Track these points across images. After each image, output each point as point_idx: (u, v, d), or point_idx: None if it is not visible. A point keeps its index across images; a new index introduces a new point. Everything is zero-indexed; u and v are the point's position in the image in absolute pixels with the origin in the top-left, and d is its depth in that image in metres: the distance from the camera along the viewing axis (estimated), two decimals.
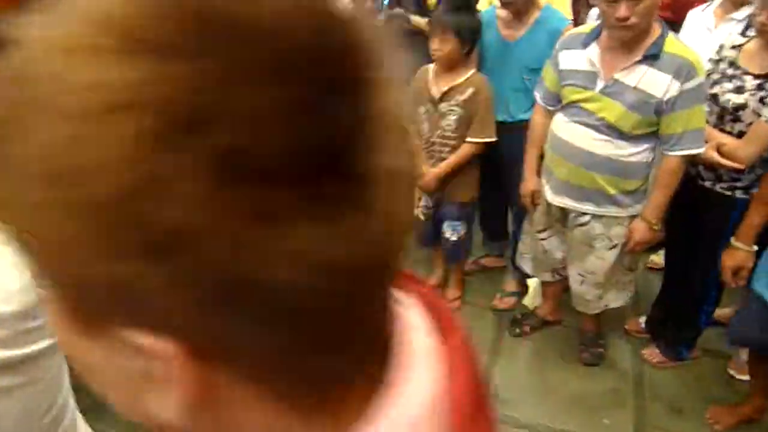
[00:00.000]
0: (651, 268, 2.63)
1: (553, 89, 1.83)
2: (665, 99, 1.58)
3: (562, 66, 1.77)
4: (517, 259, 2.31)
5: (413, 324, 0.32)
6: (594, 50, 1.68)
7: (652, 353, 2.22)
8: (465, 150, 2.12)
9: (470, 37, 2.01)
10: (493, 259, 2.77)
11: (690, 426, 1.99)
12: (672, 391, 2.12)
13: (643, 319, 2.32)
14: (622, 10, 1.52)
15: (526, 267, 2.25)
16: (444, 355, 0.31)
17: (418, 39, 2.27)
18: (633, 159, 1.70)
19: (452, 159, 2.14)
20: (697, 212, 1.88)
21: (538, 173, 2.01)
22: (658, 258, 2.58)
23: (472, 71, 2.06)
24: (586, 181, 1.77)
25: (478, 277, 2.74)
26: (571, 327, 2.37)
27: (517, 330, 2.40)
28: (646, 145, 1.69)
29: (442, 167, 2.16)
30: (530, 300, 2.57)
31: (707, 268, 1.91)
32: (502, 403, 2.11)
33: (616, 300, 2.04)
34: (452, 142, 2.12)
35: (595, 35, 1.69)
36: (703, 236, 1.89)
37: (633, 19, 1.53)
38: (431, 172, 2.18)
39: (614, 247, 1.88)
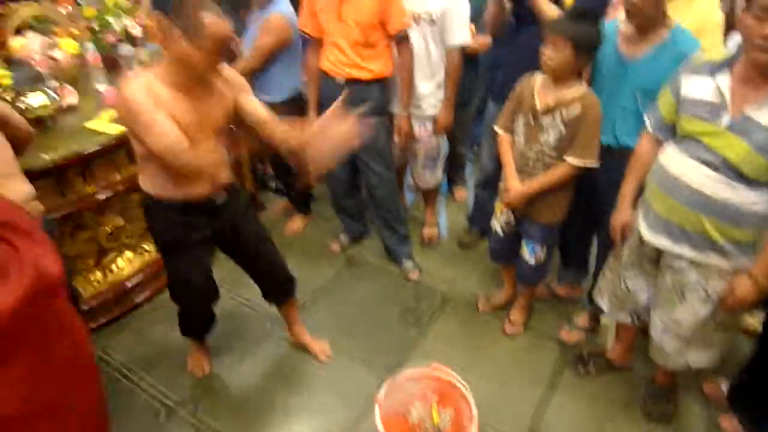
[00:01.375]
0: (744, 331, 2.35)
1: (669, 117, 1.66)
2: None
3: (684, 93, 1.59)
4: (595, 293, 2.14)
5: None
6: (725, 79, 1.50)
7: (731, 424, 1.99)
8: (561, 170, 1.98)
9: (588, 49, 1.84)
10: (568, 288, 2.60)
11: None
12: None
13: (724, 383, 2.08)
14: (767, 31, 1.34)
15: (603, 304, 2.08)
16: None
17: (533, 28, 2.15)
18: (748, 207, 1.50)
19: (546, 177, 2.00)
20: None
21: (634, 206, 1.84)
22: (753, 319, 2.31)
23: (583, 87, 1.91)
24: (690, 222, 1.59)
25: (547, 303, 2.59)
26: (641, 376, 2.18)
27: (581, 369, 2.24)
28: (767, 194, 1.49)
29: (533, 185, 2.03)
30: (604, 338, 2.40)
31: None
32: None
33: (699, 360, 1.83)
34: (549, 160, 1.98)
35: (728, 62, 1.51)
36: None
37: None
38: (520, 188, 2.06)
39: (709, 301, 1.68)
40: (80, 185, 2.22)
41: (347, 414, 2.07)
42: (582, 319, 2.42)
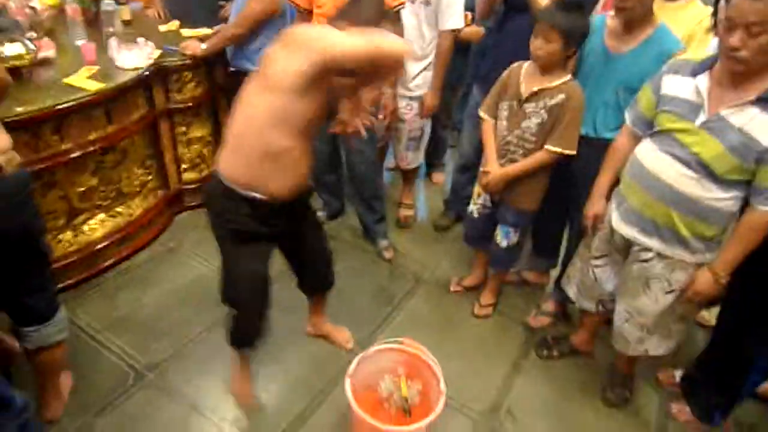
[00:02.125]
0: (699, 324, 2.47)
1: (648, 113, 1.71)
2: None
3: (664, 91, 1.65)
4: (563, 281, 2.21)
5: None
6: (704, 80, 1.55)
7: (682, 410, 2.10)
8: (540, 157, 2.02)
9: (576, 40, 1.88)
10: (537, 275, 2.67)
11: None
12: None
13: (678, 372, 2.19)
14: (734, 39, 1.41)
15: (570, 291, 2.15)
16: None
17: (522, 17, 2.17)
18: (718, 204, 1.57)
19: (525, 163, 2.05)
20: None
21: (607, 198, 1.90)
22: (709, 315, 2.43)
23: (567, 77, 1.95)
24: (660, 215, 1.65)
25: (516, 289, 2.66)
26: (601, 362, 2.27)
27: (545, 352, 2.32)
28: (735, 193, 1.56)
29: (512, 169, 2.07)
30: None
31: (763, 342, 1.78)
32: (513, 421, 2.05)
33: (657, 347, 1.92)
34: (529, 146, 2.03)
35: (708, 64, 1.56)
36: None
37: (743, 53, 1.41)
38: (499, 171, 2.10)
39: (671, 292, 1.76)
40: (54, 142, 2.16)
41: (318, 384, 2.10)
42: (549, 305, 2.49)
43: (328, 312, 2.28)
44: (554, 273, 2.56)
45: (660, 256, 1.72)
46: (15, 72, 2.07)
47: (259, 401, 2.03)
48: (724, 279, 1.65)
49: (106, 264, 2.51)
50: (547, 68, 1.93)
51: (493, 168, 2.11)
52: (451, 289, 2.62)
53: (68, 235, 2.38)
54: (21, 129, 2.00)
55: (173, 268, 2.59)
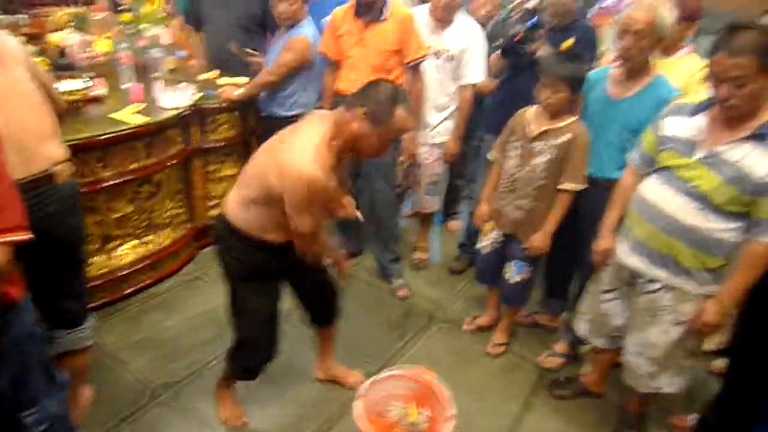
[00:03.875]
0: (713, 373, 2.46)
1: (650, 152, 1.83)
2: (766, 180, 1.54)
3: (665, 132, 1.77)
4: (574, 319, 2.25)
5: None
6: (701, 120, 1.68)
7: None
8: (563, 199, 2.15)
9: (579, 87, 2.07)
10: (549, 318, 2.70)
11: None
12: None
13: (692, 417, 2.17)
14: (723, 91, 1.54)
15: (582, 328, 2.18)
16: None
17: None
18: (719, 235, 1.65)
19: (555, 213, 2.17)
20: None
21: (615, 234, 1.98)
22: (720, 361, 2.42)
23: (573, 118, 2.10)
24: (665, 246, 1.73)
25: (529, 330, 2.69)
26: (612, 404, 2.25)
27: (557, 391, 2.32)
28: (736, 224, 1.63)
29: (550, 225, 2.19)
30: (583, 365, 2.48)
31: None
32: None
33: (670, 384, 1.93)
34: (539, 182, 2.15)
35: (704, 106, 1.69)
36: None
37: (734, 101, 1.54)
38: (540, 235, 2.20)
39: (680, 323, 1.79)
40: (98, 169, 2.34)
41: (328, 409, 2.13)
42: (560, 347, 2.51)
43: (340, 346, 2.32)
44: (566, 316, 2.59)
45: (667, 287, 1.78)
46: (70, 105, 2.29)
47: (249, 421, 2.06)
48: (729, 310, 1.69)
49: (133, 288, 2.62)
50: (555, 114, 2.10)
51: (483, 209, 2.33)
52: (464, 327, 2.66)
53: (102, 258, 2.52)
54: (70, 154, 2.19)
55: (195, 297, 2.69)
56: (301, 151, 1.55)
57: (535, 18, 2.26)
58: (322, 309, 2.13)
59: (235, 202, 1.74)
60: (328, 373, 2.28)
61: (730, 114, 1.59)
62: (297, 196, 1.55)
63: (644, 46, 1.93)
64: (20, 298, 1.16)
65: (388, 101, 1.58)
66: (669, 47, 2.25)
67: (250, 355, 1.93)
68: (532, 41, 2.26)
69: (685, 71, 2.23)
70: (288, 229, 1.68)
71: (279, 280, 1.88)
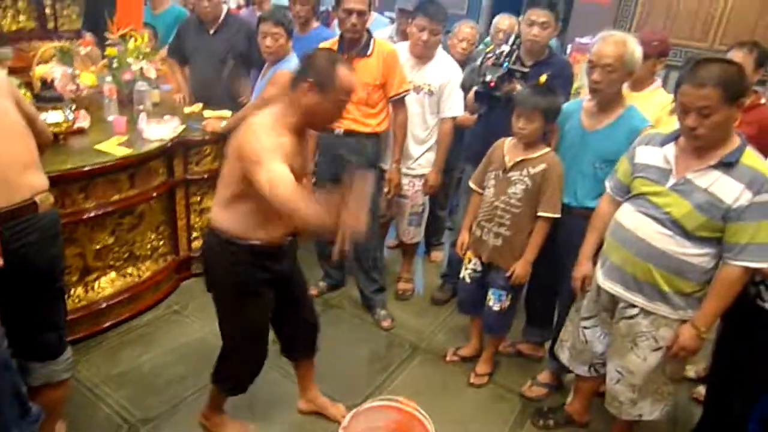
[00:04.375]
0: (696, 399, 2.47)
1: (625, 180, 1.89)
2: (734, 206, 1.59)
3: (638, 159, 1.83)
4: (556, 347, 2.26)
5: None
6: (671, 149, 1.74)
7: None
8: (541, 228, 2.20)
9: (553, 118, 2.14)
10: (532, 347, 2.71)
11: None
12: None
13: None
14: (690, 121, 1.61)
15: (563, 356, 2.20)
16: None
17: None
18: (692, 260, 1.69)
19: (534, 240, 2.21)
20: (751, 336, 1.82)
21: (594, 261, 2.02)
22: (701, 388, 2.44)
23: (547, 149, 2.17)
24: (641, 271, 1.77)
25: (512, 359, 2.69)
26: None
27: (541, 422, 2.31)
28: (708, 250, 1.68)
29: (530, 254, 2.23)
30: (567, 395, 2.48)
31: (752, 402, 1.81)
32: None
33: (651, 411, 1.94)
34: (515, 210, 2.19)
35: (674, 137, 1.76)
36: (754, 364, 1.81)
37: (701, 130, 1.60)
38: (521, 262, 2.23)
39: (658, 349, 1.82)
40: (80, 200, 2.33)
41: None
42: (544, 376, 2.51)
43: (323, 377, 2.29)
44: (549, 345, 2.60)
45: (645, 312, 1.81)
46: (53, 137, 2.29)
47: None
48: (705, 333, 1.73)
49: (112, 322, 2.58)
50: (530, 144, 2.17)
51: (464, 236, 2.38)
52: (447, 358, 2.65)
53: (79, 290, 2.48)
54: (52, 186, 2.17)
55: (175, 330, 2.65)
56: (253, 127, 1.62)
57: (506, 65, 2.33)
58: (303, 336, 2.11)
59: (218, 208, 1.78)
60: (311, 404, 2.25)
61: (698, 144, 1.66)
62: (254, 153, 1.54)
63: (613, 80, 2.01)
64: None
65: (329, 66, 1.61)
66: (640, 81, 2.36)
67: (240, 368, 1.94)
68: (504, 84, 2.32)
69: (656, 104, 2.33)
70: (273, 222, 1.68)
71: (267, 294, 1.86)
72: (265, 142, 1.57)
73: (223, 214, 1.75)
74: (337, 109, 1.69)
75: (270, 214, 1.66)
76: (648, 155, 1.81)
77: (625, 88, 2.37)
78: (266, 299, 1.87)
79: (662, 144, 1.78)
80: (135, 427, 2.09)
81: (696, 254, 1.69)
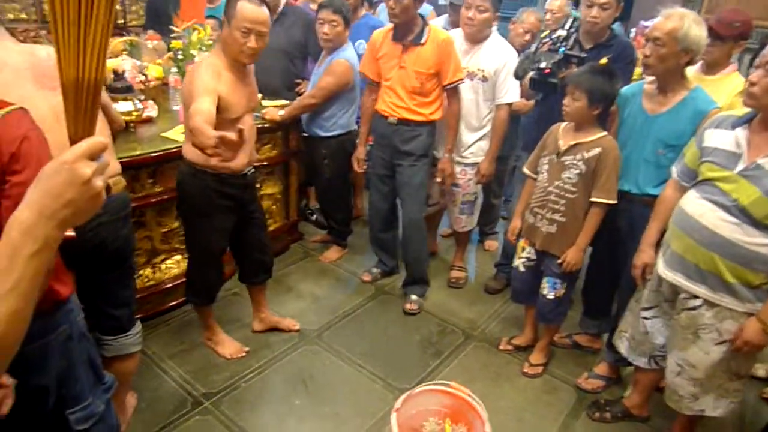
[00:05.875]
0: (765, 399, 2.34)
1: (692, 165, 1.81)
2: None
3: (706, 143, 1.75)
4: (615, 337, 2.20)
5: None
6: (743, 132, 1.65)
7: None
8: (594, 213, 2.13)
9: (600, 100, 2.05)
10: (589, 339, 2.65)
11: None
12: None
13: None
14: (753, 77, 1.56)
15: (622, 347, 2.14)
16: None
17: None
18: (760, 250, 1.60)
19: (587, 226, 2.15)
20: None
21: (656, 249, 1.95)
22: None
23: (603, 133, 2.10)
24: (704, 260, 1.69)
25: (567, 351, 2.64)
26: (656, 429, 2.18)
27: (597, 414, 2.26)
28: None
29: (583, 240, 2.17)
30: (625, 388, 2.41)
31: None
32: None
33: (714, 408, 1.85)
34: (570, 195, 2.14)
35: (747, 118, 1.66)
36: None
37: (755, 89, 1.56)
38: (574, 249, 2.18)
39: (722, 342, 1.74)
40: (149, 185, 2.46)
41: (360, 425, 2.14)
42: (601, 368, 2.45)
43: (376, 359, 2.33)
44: (606, 337, 2.53)
45: (708, 303, 1.73)
46: (124, 125, 2.43)
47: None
48: None
49: (177, 301, 2.71)
50: (578, 124, 2.11)
51: (516, 223, 2.38)
52: (501, 347, 2.63)
53: (147, 271, 2.62)
54: (123, 171, 2.31)
55: (235, 311, 2.76)
56: (197, 67, 1.99)
57: (562, 50, 2.27)
58: (258, 263, 2.45)
59: (184, 140, 2.10)
60: (265, 323, 2.60)
61: (748, 102, 1.57)
62: (194, 90, 1.87)
63: (663, 55, 1.92)
64: (67, 297, 1.21)
65: (234, 1, 1.91)
66: (714, 65, 2.24)
67: (199, 280, 2.34)
68: (561, 71, 2.26)
69: (728, 90, 2.20)
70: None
71: (224, 221, 2.19)
72: (200, 81, 1.89)
73: (186, 144, 2.08)
74: (242, 36, 1.93)
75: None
76: (717, 138, 1.72)
77: (698, 71, 2.27)
78: (223, 225, 2.20)
79: (734, 126, 1.69)
80: (199, 401, 2.20)
81: (764, 244, 1.60)
